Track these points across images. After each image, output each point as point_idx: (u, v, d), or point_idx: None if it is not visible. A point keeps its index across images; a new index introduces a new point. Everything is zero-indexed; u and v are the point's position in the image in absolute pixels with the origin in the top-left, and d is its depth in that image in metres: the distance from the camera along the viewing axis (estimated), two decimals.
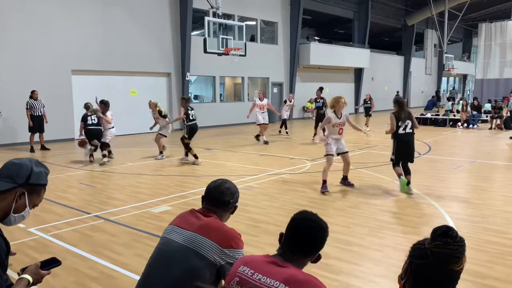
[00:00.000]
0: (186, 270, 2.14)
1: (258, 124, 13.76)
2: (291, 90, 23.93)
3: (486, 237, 5.11)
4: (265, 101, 13.89)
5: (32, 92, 12.61)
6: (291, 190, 7.55)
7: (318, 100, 14.23)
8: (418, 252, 1.45)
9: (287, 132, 16.49)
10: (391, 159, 7.36)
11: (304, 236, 1.84)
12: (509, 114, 17.87)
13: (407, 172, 7.23)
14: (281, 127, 16.79)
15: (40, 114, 12.66)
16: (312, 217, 1.90)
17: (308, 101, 24.52)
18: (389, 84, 31.01)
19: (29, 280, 1.74)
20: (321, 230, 1.88)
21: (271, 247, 4.19)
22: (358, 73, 28.77)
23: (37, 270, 1.78)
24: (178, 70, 18.40)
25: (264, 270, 1.79)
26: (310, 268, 4.13)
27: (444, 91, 35.74)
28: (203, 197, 2.46)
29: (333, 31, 32.01)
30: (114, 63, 16.15)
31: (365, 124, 17.90)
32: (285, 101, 17.61)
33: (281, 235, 1.90)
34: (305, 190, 7.52)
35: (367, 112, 18.77)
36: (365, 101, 19.32)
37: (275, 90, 23.65)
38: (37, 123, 12.62)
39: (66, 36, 14.79)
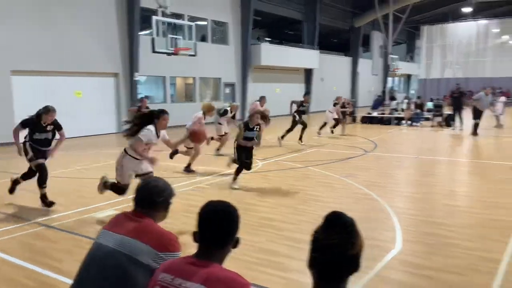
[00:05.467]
0: (119, 275, 2.06)
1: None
2: (243, 90, 23.99)
3: (425, 229, 5.34)
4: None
5: None
6: (242, 190, 7.56)
7: (304, 104, 13.99)
8: (314, 245, 1.51)
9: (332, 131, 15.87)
10: None
11: (214, 228, 1.81)
12: (451, 112, 18.71)
13: None
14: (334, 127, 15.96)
15: None
16: (217, 207, 1.87)
17: None
18: (338, 84, 31.80)
19: None
20: (229, 215, 1.86)
21: None
22: (308, 73, 29.29)
23: None
24: (126, 70, 17.95)
25: (183, 274, 1.75)
26: (257, 267, 4.16)
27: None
28: (133, 199, 2.38)
29: (284, 32, 32.42)
30: (57, 63, 15.47)
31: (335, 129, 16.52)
32: (334, 104, 16.08)
33: (194, 233, 1.86)
34: (255, 190, 7.55)
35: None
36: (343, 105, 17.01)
37: (227, 90, 23.63)
38: None
39: (4, 36, 14.01)
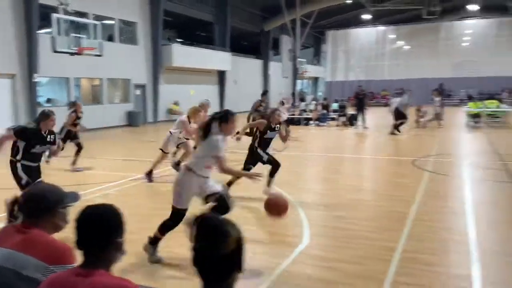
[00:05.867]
0: None
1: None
2: (155, 92, 23.41)
3: (332, 223, 5.64)
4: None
5: None
6: (153, 194, 7.37)
7: (262, 104, 13.48)
8: (192, 247, 1.55)
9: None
10: None
11: (90, 231, 1.72)
12: (355, 112, 19.89)
13: None
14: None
15: None
16: (92, 210, 1.77)
17: (174, 103, 24.25)
18: (251, 87, 32.32)
19: None
20: (103, 216, 1.77)
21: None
22: (221, 75, 29.42)
23: None
24: (25, 71, 16.59)
25: (67, 287, 1.65)
26: (166, 271, 4.07)
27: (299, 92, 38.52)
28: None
29: (195, 33, 32.23)
30: None
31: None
32: (282, 103, 16.45)
33: (76, 241, 1.76)
34: (167, 193, 7.38)
35: None
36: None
37: (138, 92, 22.89)
38: None
39: None
